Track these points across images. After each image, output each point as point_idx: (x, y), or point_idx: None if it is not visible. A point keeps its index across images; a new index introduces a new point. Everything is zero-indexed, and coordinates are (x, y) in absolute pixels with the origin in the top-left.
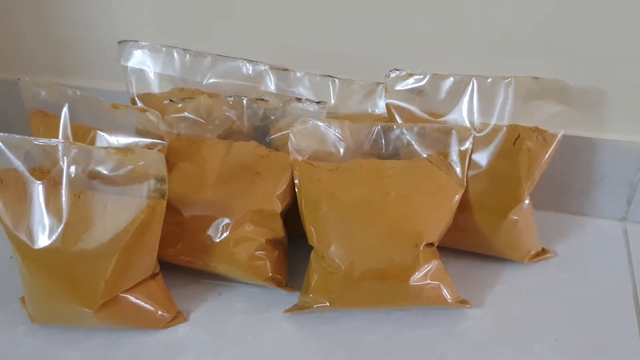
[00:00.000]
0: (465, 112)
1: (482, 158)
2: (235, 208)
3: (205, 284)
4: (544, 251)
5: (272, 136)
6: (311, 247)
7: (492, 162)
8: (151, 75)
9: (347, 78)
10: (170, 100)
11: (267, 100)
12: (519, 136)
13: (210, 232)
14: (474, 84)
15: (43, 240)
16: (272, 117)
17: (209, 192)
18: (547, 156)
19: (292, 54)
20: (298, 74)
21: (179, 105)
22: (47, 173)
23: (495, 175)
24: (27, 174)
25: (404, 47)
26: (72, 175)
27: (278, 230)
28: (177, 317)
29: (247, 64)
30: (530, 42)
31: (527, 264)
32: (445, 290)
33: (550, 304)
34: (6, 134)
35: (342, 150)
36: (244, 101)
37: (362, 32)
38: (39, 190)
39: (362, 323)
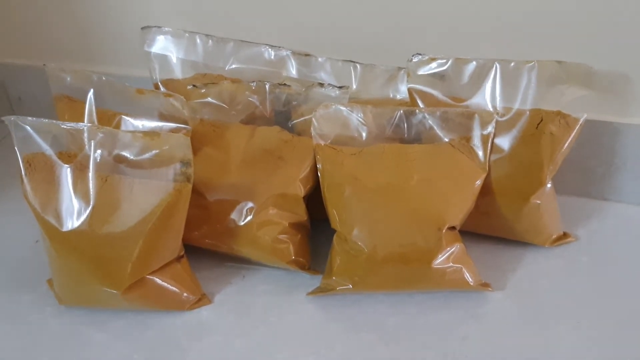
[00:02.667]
0: (488, 96)
1: (504, 142)
2: (258, 192)
3: (229, 267)
4: (565, 235)
5: (294, 121)
6: (333, 231)
7: (515, 146)
8: (174, 60)
9: (369, 63)
10: (194, 86)
11: (289, 86)
12: (541, 120)
13: (234, 215)
14: (497, 68)
15: (71, 222)
16: (294, 102)
17: (233, 176)
18: (569, 140)
19: (314, 39)
20: (320, 59)
21: (202, 91)
22: (75, 157)
23: (517, 159)
24: (55, 157)
25: (426, 32)
26: (99, 159)
27: (301, 213)
28: (202, 299)
29: (269, 49)
30: (554, 26)
31: (548, 248)
32: (467, 273)
33: (572, 288)
34: (34, 118)
35: (364, 135)
36: (267, 86)
37: (384, 17)
38: (66, 174)
39: (385, 305)
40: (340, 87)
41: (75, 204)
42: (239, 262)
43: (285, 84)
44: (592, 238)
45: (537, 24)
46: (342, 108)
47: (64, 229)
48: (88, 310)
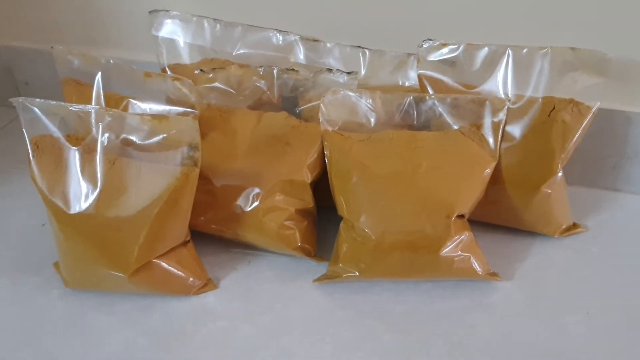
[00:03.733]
0: (499, 83)
1: (515, 130)
2: (265, 178)
3: (235, 253)
4: (575, 226)
5: (302, 107)
6: (339, 219)
7: (526, 134)
8: (182, 45)
9: (378, 49)
10: (201, 70)
11: (297, 71)
12: (554, 108)
13: (240, 201)
14: (510, 54)
15: (78, 205)
16: (302, 88)
17: (240, 161)
18: (582, 128)
19: (323, 24)
20: (328, 45)
21: (210, 76)
22: (82, 139)
23: (528, 148)
24: (62, 140)
25: (437, 17)
26: (107, 142)
27: (307, 200)
28: (208, 284)
29: (278, 34)
30: (567, 11)
31: (558, 238)
32: (475, 262)
33: (581, 278)
34: (42, 100)
35: (372, 121)
36: (275, 72)
37: (394, 1)
38: (74, 156)
39: (391, 293)
40: (348, 73)
41: (83, 186)
42: (245, 248)
43: (293, 69)
44: (602, 229)
45: (550, 9)
46: (351, 94)
47: (71, 212)
48: (94, 294)
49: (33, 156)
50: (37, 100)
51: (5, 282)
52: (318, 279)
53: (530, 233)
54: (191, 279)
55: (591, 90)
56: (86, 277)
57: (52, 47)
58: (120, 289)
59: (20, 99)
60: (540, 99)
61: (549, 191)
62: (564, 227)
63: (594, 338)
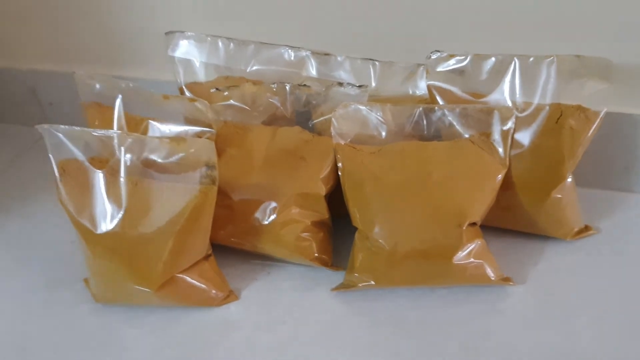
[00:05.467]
0: (507, 91)
1: (524, 137)
2: (281, 192)
3: (254, 264)
4: (587, 228)
5: (315, 121)
6: (354, 229)
7: (535, 141)
8: (197, 64)
9: (388, 60)
10: (217, 89)
11: (309, 86)
12: (561, 114)
13: (258, 214)
14: (516, 64)
15: (105, 225)
16: (314, 102)
17: (256, 176)
18: (589, 134)
19: (333, 38)
20: (339, 58)
21: (225, 94)
22: (106, 162)
23: (537, 154)
24: (87, 163)
25: (444, 28)
26: (129, 164)
27: (322, 212)
28: (230, 296)
29: (289, 50)
30: (572, 20)
31: (570, 241)
32: (488, 269)
33: (593, 281)
34: (66, 127)
35: (384, 133)
36: (287, 87)
37: (403, 14)
38: (99, 179)
39: (406, 300)
40: (359, 86)
41: (108, 207)
42: (264, 259)
43: (305, 84)
44: (613, 230)
45: (555, 18)
46: (361, 107)
47: (98, 232)
48: (123, 308)
49: (60, 180)
50: (62, 126)
51: (37, 297)
52: (336, 288)
53: (542, 237)
54: (214, 291)
55: (598, 96)
56: (115, 292)
57: (74, 73)
58: (147, 303)
59: (46, 126)
60: (547, 106)
61: (559, 196)
62: (575, 230)
63: (607, 341)
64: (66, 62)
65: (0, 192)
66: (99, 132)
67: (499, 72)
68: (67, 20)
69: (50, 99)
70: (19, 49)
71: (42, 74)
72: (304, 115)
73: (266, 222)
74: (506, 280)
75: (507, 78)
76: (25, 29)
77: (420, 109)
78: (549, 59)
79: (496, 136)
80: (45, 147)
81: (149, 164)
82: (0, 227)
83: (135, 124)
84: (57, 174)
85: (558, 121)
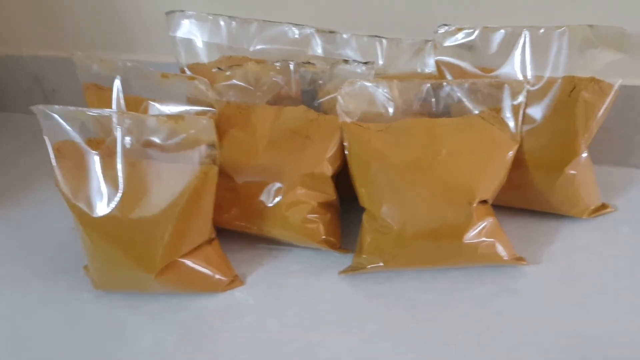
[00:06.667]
0: (517, 65)
1: (536, 112)
2: (286, 172)
3: (260, 248)
4: (603, 206)
5: (320, 100)
6: (362, 210)
7: (547, 115)
8: (199, 44)
9: (395, 37)
10: (219, 69)
11: (314, 64)
12: (574, 87)
13: (263, 197)
14: (526, 36)
15: (102, 208)
16: (320, 81)
17: (260, 157)
18: (604, 107)
19: (338, 15)
20: (344, 36)
21: (228, 73)
22: (102, 143)
23: (550, 129)
24: (83, 144)
25: (451, 3)
26: (127, 145)
27: (330, 193)
28: (235, 281)
29: (293, 28)
30: None
31: (586, 219)
32: (500, 248)
33: (610, 260)
34: (61, 107)
35: (391, 111)
36: (291, 66)
37: None
38: (95, 161)
39: (416, 282)
40: (365, 63)
41: (105, 189)
42: (270, 243)
43: (309, 62)
44: (631, 208)
45: None
46: (368, 84)
47: (95, 215)
48: (124, 295)
49: (56, 162)
50: (57, 106)
51: (37, 286)
52: (344, 271)
53: (557, 215)
54: (218, 276)
55: (612, 67)
56: (114, 278)
57: (72, 54)
58: (148, 289)
59: (41, 107)
60: (559, 79)
61: (574, 172)
62: (592, 208)
63: (624, 321)
64: (68, 48)
65: (3, 180)
66: (95, 111)
67: (508, 45)
68: (68, 4)
69: (53, 85)
70: (20, 36)
71: (45, 60)
72: (310, 94)
73: (271, 204)
74: (520, 260)
75: (517, 51)
76: (26, 14)
77: (429, 84)
78: (560, 30)
79: (507, 111)
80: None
81: (146, 144)
82: (2, 215)
83: (135, 105)
84: (52, 156)
85: (571, 94)
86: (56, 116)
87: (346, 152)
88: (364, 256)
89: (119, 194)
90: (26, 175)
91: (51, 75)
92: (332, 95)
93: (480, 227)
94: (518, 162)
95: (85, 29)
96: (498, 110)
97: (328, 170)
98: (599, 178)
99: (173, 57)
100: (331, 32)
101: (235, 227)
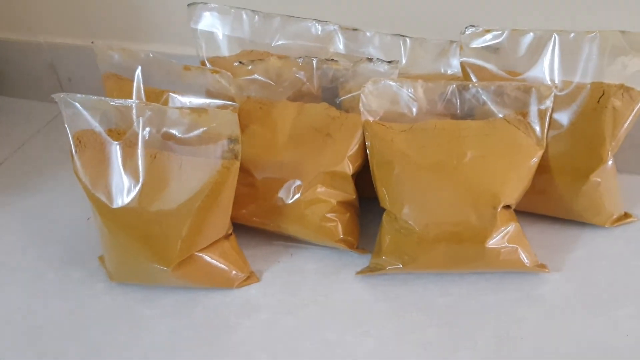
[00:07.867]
0: (546, 69)
1: (563, 117)
2: (306, 170)
3: (277, 245)
4: (626, 215)
5: (342, 98)
6: (382, 210)
7: (574, 121)
8: (220, 37)
9: (419, 37)
10: (240, 62)
11: (337, 61)
12: (603, 94)
13: (281, 194)
14: (556, 40)
15: (121, 199)
16: (342, 79)
17: (280, 154)
18: (633, 115)
19: (362, 12)
20: (368, 34)
21: (249, 68)
22: (123, 134)
23: (577, 135)
24: (104, 134)
25: (479, 2)
26: (147, 136)
27: (350, 192)
28: (251, 277)
29: (317, 24)
30: None
31: (608, 228)
32: (522, 254)
33: (633, 269)
34: (83, 95)
35: (414, 111)
36: (314, 62)
37: None
38: (116, 151)
39: (435, 286)
40: (389, 62)
41: (125, 180)
42: (287, 240)
43: (332, 59)
44: None
45: None
46: (392, 83)
47: (114, 206)
48: (139, 287)
49: (76, 151)
50: (79, 95)
51: (52, 275)
52: (361, 272)
53: (579, 223)
54: (234, 272)
55: None
56: (130, 270)
57: (92, 43)
58: (164, 283)
59: (62, 95)
60: (588, 85)
61: (599, 180)
62: (614, 216)
63: None
64: (85, 36)
65: (18, 168)
66: (117, 101)
67: (537, 49)
68: None
69: (69, 74)
70: (37, 22)
71: (61, 47)
72: (331, 91)
73: (290, 201)
74: (541, 267)
75: (546, 55)
76: (44, 0)
77: (454, 86)
78: (591, 35)
79: (533, 116)
80: (62, 122)
81: (168, 136)
82: (17, 203)
83: (155, 96)
84: (72, 145)
85: (600, 101)
86: (78, 105)
87: (368, 151)
88: (382, 257)
89: (139, 186)
90: (40, 164)
91: (68, 64)
92: (353, 94)
93: (504, 233)
94: (542, 167)
95: (104, 18)
96: (524, 114)
97: (349, 169)
98: (623, 186)
99: (191, 49)
100: (354, 29)
101: (253, 224)
